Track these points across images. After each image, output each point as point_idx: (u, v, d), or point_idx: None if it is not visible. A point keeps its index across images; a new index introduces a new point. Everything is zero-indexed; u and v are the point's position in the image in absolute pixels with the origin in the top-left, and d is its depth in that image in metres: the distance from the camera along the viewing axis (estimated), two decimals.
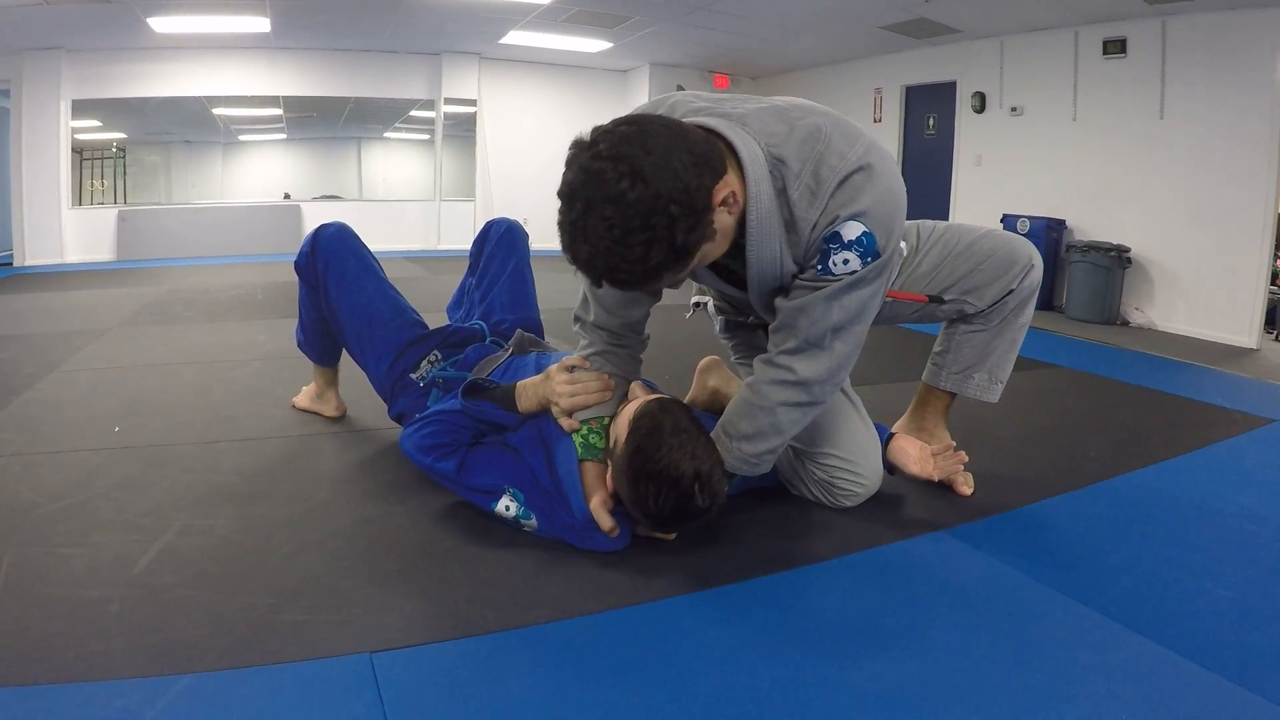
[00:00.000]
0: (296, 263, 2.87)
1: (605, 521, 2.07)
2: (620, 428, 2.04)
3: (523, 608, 1.83)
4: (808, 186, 1.85)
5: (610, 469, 2.10)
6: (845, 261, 1.88)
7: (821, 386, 2.08)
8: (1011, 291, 2.50)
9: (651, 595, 1.91)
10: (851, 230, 1.84)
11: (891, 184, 1.88)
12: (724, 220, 1.78)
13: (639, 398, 2.14)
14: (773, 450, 2.17)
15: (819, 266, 1.92)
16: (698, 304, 2.87)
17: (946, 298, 2.52)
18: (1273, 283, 7.81)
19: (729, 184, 1.75)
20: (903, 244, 2.45)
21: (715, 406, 2.79)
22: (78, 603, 1.80)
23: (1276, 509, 2.65)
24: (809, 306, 1.98)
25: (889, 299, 2.49)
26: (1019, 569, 2.12)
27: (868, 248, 1.87)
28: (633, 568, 2.04)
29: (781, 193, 1.88)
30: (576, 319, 2.38)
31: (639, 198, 1.58)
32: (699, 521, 1.99)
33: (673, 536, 2.17)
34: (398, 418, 2.78)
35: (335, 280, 2.78)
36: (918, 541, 2.27)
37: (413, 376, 2.70)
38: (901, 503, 2.55)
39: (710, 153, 1.72)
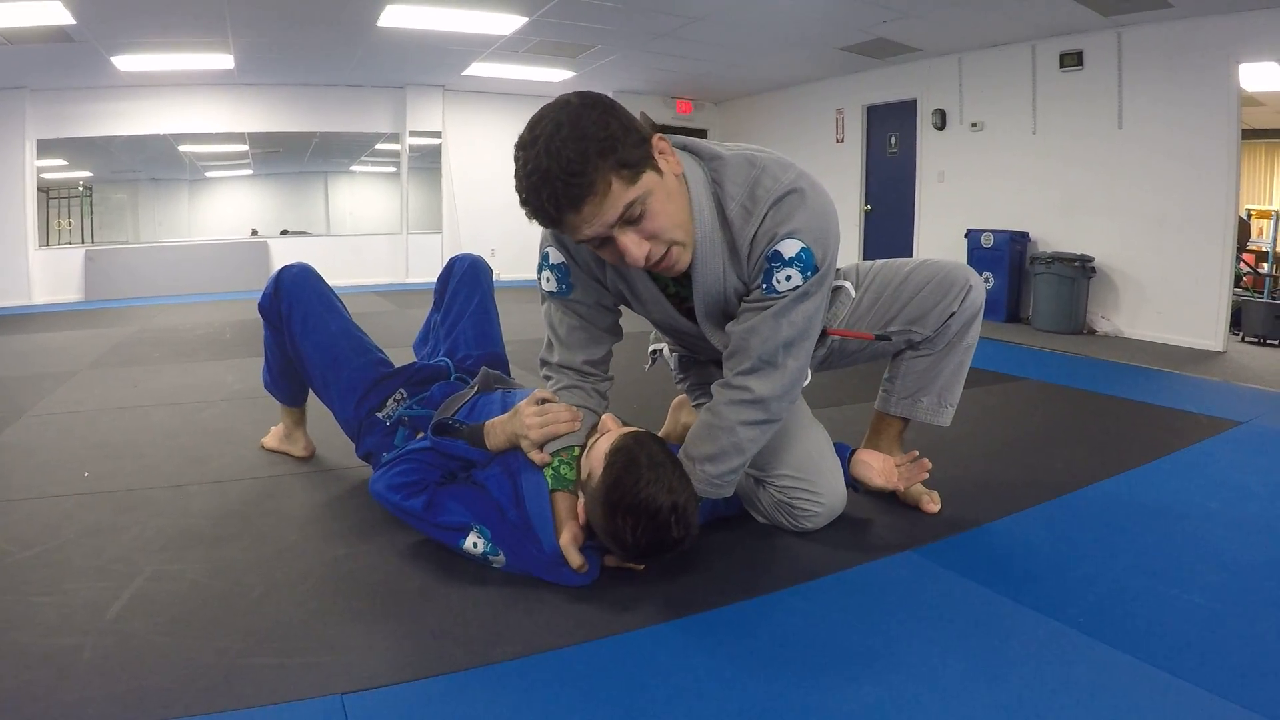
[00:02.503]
0: (260, 305, 2.88)
1: (575, 559, 2.08)
2: (594, 460, 2.05)
3: (492, 644, 1.83)
4: (743, 206, 1.97)
5: (582, 500, 2.10)
6: (788, 278, 1.97)
7: (778, 403, 2.13)
8: (953, 315, 2.50)
9: (621, 627, 1.92)
10: (790, 247, 1.94)
11: (822, 206, 1.98)
12: (668, 169, 1.91)
13: (611, 430, 2.15)
14: (734, 470, 2.20)
15: (764, 285, 2.01)
16: (655, 352, 2.89)
17: (892, 331, 2.53)
18: (1236, 284, 7.91)
19: (668, 146, 1.93)
20: (849, 285, 2.51)
21: None
22: (50, 651, 1.79)
23: (1245, 512, 2.69)
24: (759, 326, 2.05)
25: (837, 338, 2.56)
26: (987, 585, 2.13)
27: (807, 263, 1.96)
28: (602, 601, 2.04)
29: (721, 214, 2.00)
30: (542, 362, 2.43)
31: (587, 115, 1.77)
32: (673, 552, 2.01)
33: (643, 567, 2.18)
34: (365, 456, 2.78)
35: (299, 321, 2.78)
36: (885, 562, 2.29)
37: (379, 415, 2.69)
38: (869, 524, 2.57)
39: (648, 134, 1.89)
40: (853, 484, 2.55)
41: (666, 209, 1.87)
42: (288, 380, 3.05)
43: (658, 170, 1.86)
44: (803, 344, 2.11)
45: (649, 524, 1.92)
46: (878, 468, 2.53)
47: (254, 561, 2.28)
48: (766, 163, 1.98)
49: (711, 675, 1.72)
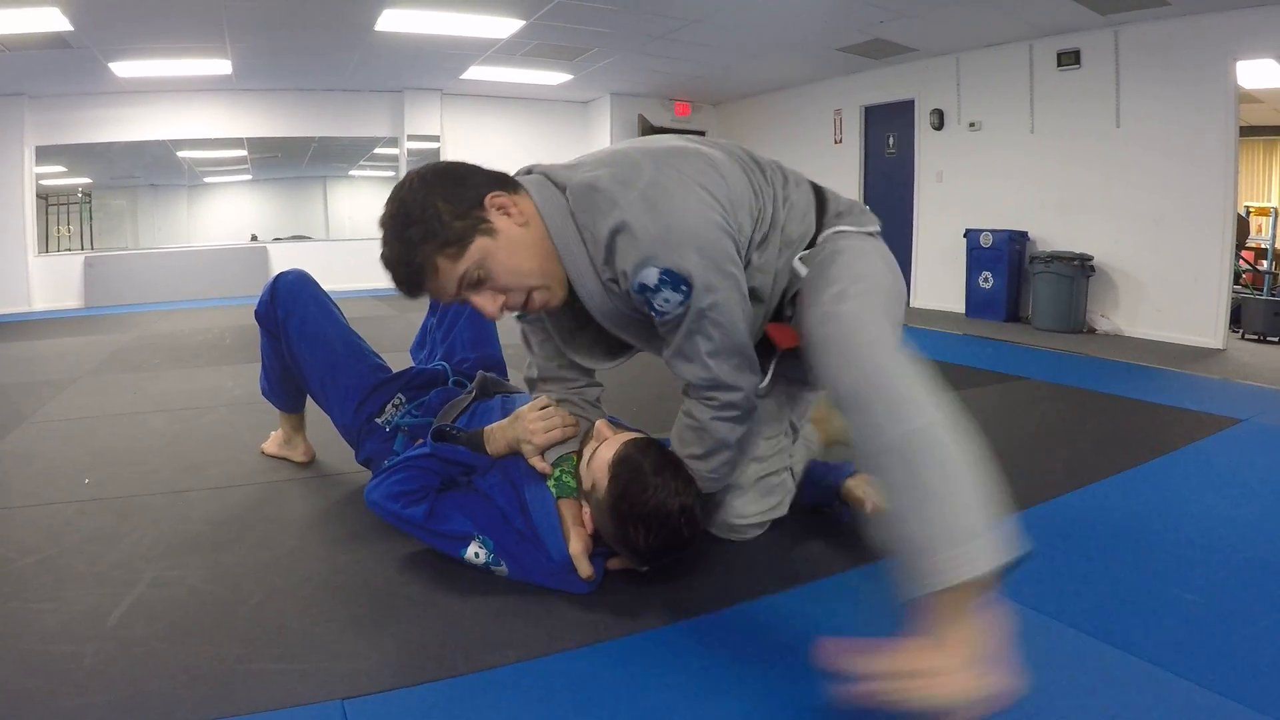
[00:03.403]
0: (257, 311, 2.88)
1: (585, 569, 2.09)
2: (597, 471, 2.05)
3: (494, 649, 1.83)
4: (593, 235, 1.91)
5: (588, 508, 2.11)
6: (667, 300, 1.87)
7: (745, 400, 2.09)
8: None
9: (622, 631, 1.92)
10: (649, 276, 1.83)
11: (660, 223, 1.82)
12: (506, 225, 1.90)
13: (607, 438, 2.15)
14: (726, 462, 2.20)
15: (654, 313, 1.92)
16: None
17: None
18: (1236, 282, 7.90)
19: (509, 199, 1.92)
20: (800, 265, 2.08)
21: None
22: (51, 657, 1.79)
23: (1244, 510, 2.69)
24: (682, 351, 1.99)
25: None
26: None
27: (675, 281, 1.84)
28: (603, 605, 2.05)
29: (581, 238, 1.95)
30: (527, 381, 2.45)
31: (412, 199, 1.88)
32: (683, 553, 2.02)
33: (646, 568, 2.18)
34: (365, 461, 2.79)
35: (296, 327, 2.79)
36: (885, 564, 2.28)
37: (378, 421, 2.71)
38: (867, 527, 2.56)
39: (496, 174, 1.98)
40: (830, 502, 2.57)
41: (509, 264, 1.90)
42: (285, 386, 3.05)
43: (490, 233, 1.88)
44: (730, 349, 1.99)
45: (660, 529, 1.95)
46: (863, 495, 2.46)
47: (254, 567, 2.29)
48: (606, 186, 1.88)
49: (715, 677, 1.73)
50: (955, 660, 1.47)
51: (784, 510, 2.50)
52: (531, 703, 1.64)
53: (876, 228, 2.15)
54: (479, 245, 1.87)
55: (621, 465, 2.00)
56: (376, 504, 2.26)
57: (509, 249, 1.89)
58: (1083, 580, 2.18)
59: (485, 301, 1.93)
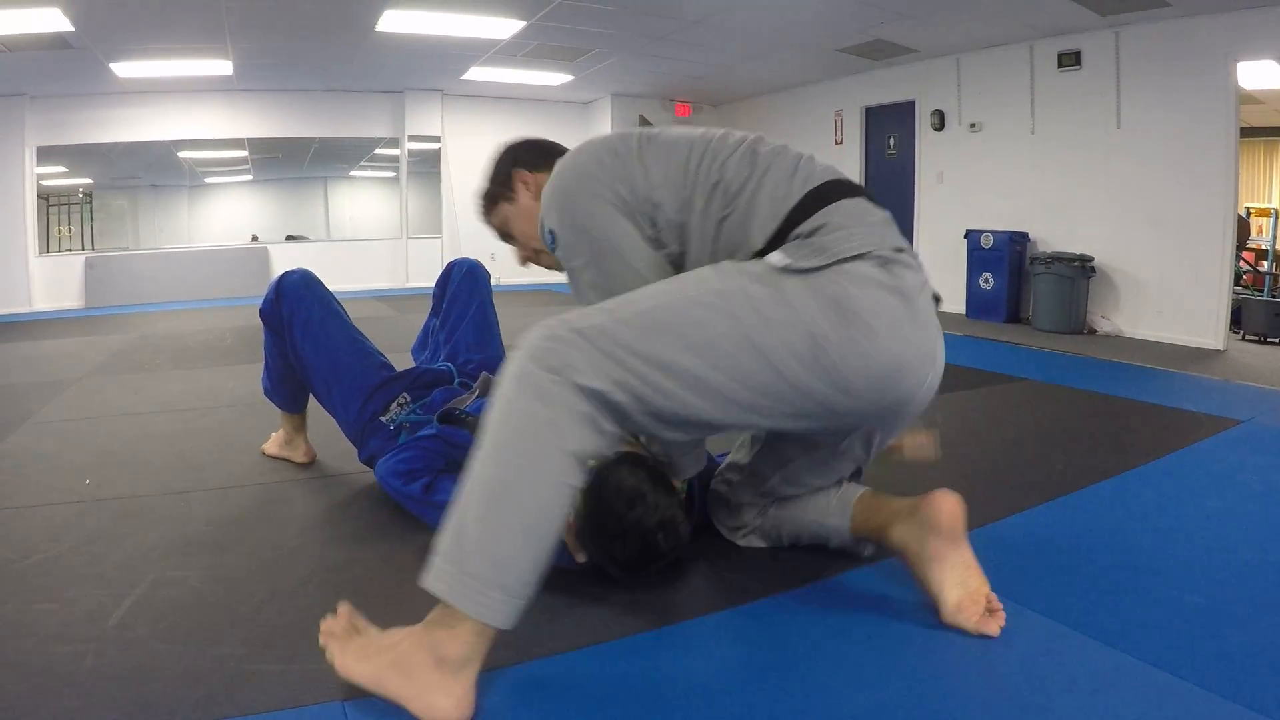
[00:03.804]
0: (261, 310, 2.89)
1: (580, 555, 2.11)
2: None
3: (492, 650, 1.81)
4: None
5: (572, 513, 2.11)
6: (560, 256, 2.03)
7: None
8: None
9: (615, 633, 1.92)
10: (542, 232, 2.05)
11: (556, 188, 2.00)
12: (523, 196, 2.26)
13: None
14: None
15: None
16: None
17: None
18: (1236, 283, 7.90)
19: (530, 176, 2.25)
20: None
21: None
22: (52, 658, 1.79)
23: (1245, 511, 2.69)
24: (578, 305, 1.99)
25: None
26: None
27: (552, 239, 2.01)
28: (596, 606, 2.04)
29: None
30: None
31: (490, 166, 2.35)
32: (664, 564, 2.03)
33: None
34: (368, 461, 2.78)
35: (300, 327, 2.80)
36: (881, 566, 2.27)
37: (382, 419, 2.71)
38: None
39: (543, 152, 2.29)
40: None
41: (518, 226, 2.28)
42: (288, 386, 3.06)
43: (510, 200, 2.27)
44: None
45: (638, 545, 1.99)
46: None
47: (255, 568, 2.29)
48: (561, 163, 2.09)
49: (709, 681, 1.73)
50: (364, 645, 1.71)
51: (761, 541, 2.39)
52: (527, 704, 1.65)
53: (811, 262, 1.77)
54: (501, 208, 2.30)
55: (598, 478, 2.02)
56: (382, 479, 2.41)
57: (518, 214, 2.27)
58: (1083, 580, 2.18)
59: (515, 250, 2.33)
